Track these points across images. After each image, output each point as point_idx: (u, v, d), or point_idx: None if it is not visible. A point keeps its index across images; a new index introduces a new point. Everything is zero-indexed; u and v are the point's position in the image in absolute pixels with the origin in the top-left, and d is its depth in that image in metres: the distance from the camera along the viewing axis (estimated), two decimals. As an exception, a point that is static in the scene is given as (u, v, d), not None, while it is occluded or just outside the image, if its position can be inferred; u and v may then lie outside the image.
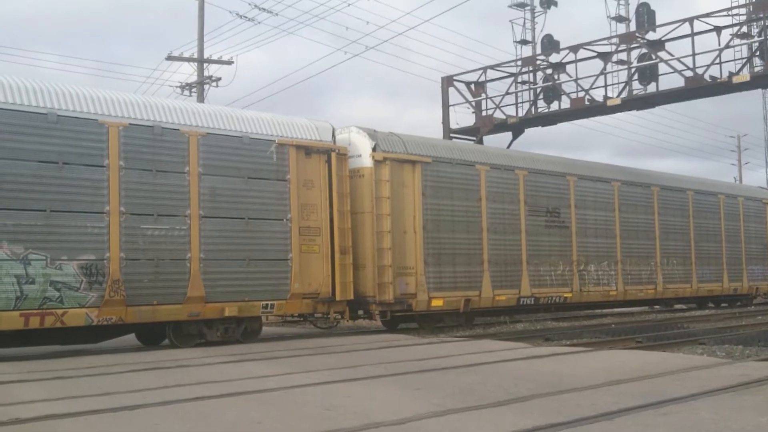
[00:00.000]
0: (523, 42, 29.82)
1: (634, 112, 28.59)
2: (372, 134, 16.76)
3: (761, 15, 23.14)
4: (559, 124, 28.84)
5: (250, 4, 32.43)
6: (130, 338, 14.68)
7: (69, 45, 75.67)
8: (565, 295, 20.36)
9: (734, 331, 16.93)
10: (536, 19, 29.94)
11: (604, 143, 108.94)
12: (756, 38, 23.50)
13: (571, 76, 26.55)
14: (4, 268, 11.76)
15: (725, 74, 23.39)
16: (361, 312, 16.87)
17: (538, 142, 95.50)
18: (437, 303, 17.27)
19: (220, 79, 31.63)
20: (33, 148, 12.21)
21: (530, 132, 30.15)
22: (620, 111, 27.08)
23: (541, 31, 29.36)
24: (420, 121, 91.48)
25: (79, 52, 74.75)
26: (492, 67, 28.57)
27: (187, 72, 34.34)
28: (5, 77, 12.40)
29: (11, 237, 11.87)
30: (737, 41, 23.71)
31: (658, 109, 29.29)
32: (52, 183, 12.34)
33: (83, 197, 12.61)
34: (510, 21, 30.06)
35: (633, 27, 26.33)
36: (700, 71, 23.50)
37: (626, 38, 25.63)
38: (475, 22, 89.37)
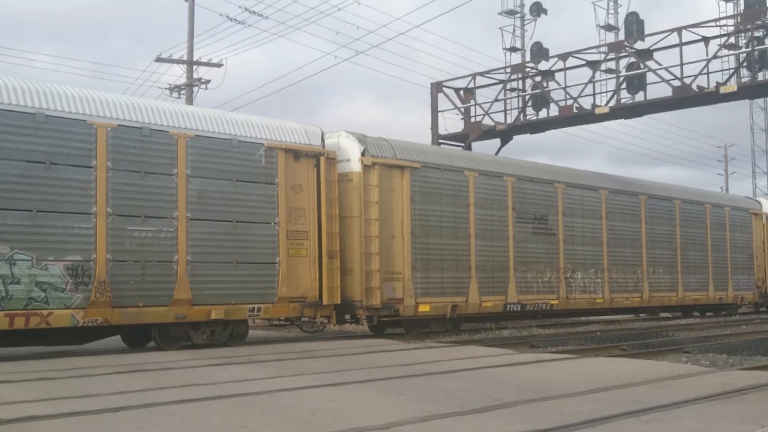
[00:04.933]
0: (513, 49, 29.97)
1: (627, 121, 28.79)
2: (361, 139, 16.77)
3: (749, 26, 23.34)
4: (551, 132, 29.02)
5: (240, 7, 32.44)
6: (116, 340, 14.62)
7: (66, 40, 75.39)
8: (552, 302, 20.41)
9: (718, 340, 17.01)
10: (526, 27, 30.08)
11: (597, 151, 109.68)
12: (743, 49, 23.70)
13: (559, 84, 26.71)
14: (-11, 268, 11.70)
15: (713, 84, 23.57)
16: (347, 316, 16.86)
17: (531, 149, 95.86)
18: (424, 308, 17.28)
19: (209, 81, 31.62)
20: (20, 147, 12.15)
21: (522, 139, 30.30)
22: (608, 119, 27.26)
23: (531, 38, 29.51)
24: (414, 125, 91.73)
25: (76, 47, 74.50)
26: (481, 74, 28.69)
27: (177, 74, 34.25)
28: (-7, 76, 12.37)
29: (-3, 237, 11.82)
30: (725, 52, 23.92)
31: (652, 118, 29.52)
32: (39, 183, 12.28)
33: (70, 198, 12.56)
34: (500, 28, 30.20)
35: (622, 36, 26.51)
36: (687, 81, 23.67)
37: (615, 47, 25.79)
38: (474, 27, 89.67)
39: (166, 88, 32.25)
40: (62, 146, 12.55)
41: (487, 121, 28.15)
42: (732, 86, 23.15)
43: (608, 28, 27.94)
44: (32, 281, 12.07)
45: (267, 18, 36.92)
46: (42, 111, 12.43)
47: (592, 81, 25.87)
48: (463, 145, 28.18)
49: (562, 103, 26.34)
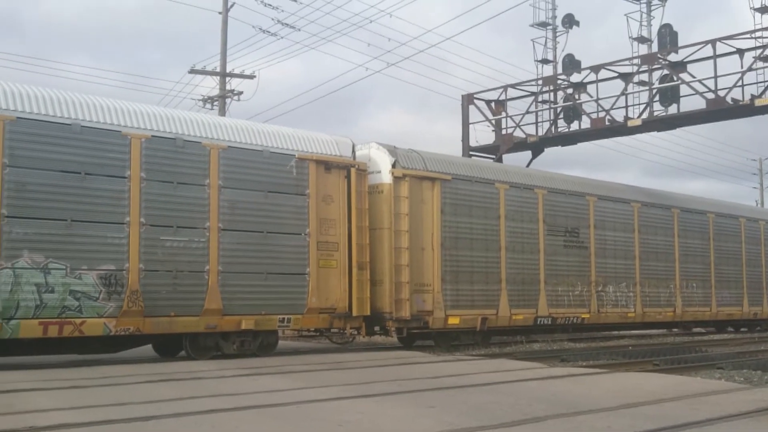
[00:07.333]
0: (545, 61, 29.80)
1: (660, 133, 28.51)
2: (392, 150, 16.80)
3: (785, 38, 23.02)
4: (583, 144, 28.80)
5: (273, 19, 32.68)
6: (147, 349, 14.74)
7: (104, 50, 76.32)
8: (583, 315, 20.24)
9: (753, 356, 16.72)
10: (558, 39, 29.92)
11: (630, 164, 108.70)
12: (779, 61, 23.36)
13: (591, 96, 26.52)
14: (25, 276, 11.87)
15: (747, 97, 23.27)
16: (377, 328, 16.85)
17: (563, 161, 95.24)
18: (454, 321, 17.22)
19: (242, 93, 31.86)
20: (56, 158, 12.35)
21: (554, 151, 30.12)
22: (640, 132, 27.01)
23: (563, 50, 29.35)
24: (445, 135, 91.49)
25: (114, 58, 75.41)
26: (512, 86, 28.60)
27: (211, 85, 34.59)
28: (31, 88, 12.57)
29: (32, 246, 11.99)
30: (760, 64, 23.59)
31: (686, 131, 29.18)
32: (74, 193, 12.46)
33: (104, 208, 12.72)
34: (532, 40, 30.08)
35: (655, 48, 26.27)
36: (722, 93, 23.40)
37: (648, 59, 25.57)
38: (506, 39, 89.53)
39: (199, 100, 32.57)
40: (97, 157, 12.73)
41: (518, 134, 28.03)
42: (767, 99, 22.84)
43: (641, 40, 27.67)
44: (66, 290, 12.22)
45: (299, 30, 37.11)
46: (78, 122, 12.62)
47: (624, 93, 25.67)
48: (494, 157, 28.07)
49: (594, 116, 26.15)
